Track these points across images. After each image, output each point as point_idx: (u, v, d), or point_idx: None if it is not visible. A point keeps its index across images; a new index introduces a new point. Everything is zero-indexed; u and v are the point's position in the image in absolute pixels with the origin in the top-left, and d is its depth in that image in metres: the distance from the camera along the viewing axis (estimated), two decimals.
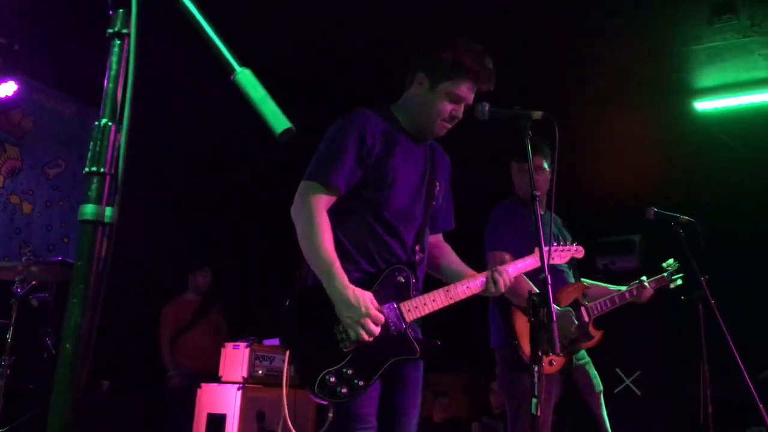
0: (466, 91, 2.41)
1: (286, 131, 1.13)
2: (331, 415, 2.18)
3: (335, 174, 2.28)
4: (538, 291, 2.28)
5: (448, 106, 2.41)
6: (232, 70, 1.16)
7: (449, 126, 2.48)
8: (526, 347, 3.33)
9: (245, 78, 1.14)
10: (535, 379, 2.28)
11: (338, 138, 2.34)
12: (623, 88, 5.78)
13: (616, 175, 6.80)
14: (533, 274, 2.72)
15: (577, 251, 3.06)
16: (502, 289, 2.48)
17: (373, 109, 2.47)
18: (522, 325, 3.37)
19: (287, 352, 2.21)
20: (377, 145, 2.36)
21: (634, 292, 3.65)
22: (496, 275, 2.46)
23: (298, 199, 2.30)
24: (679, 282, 3.88)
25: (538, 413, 2.21)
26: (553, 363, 3.37)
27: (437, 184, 2.56)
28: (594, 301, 3.54)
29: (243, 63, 1.18)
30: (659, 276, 3.80)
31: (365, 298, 2.14)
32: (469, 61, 2.38)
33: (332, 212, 2.32)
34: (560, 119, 2.31)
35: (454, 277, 2.57)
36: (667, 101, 5.94)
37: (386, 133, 2.40)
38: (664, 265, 3.89)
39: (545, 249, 2.43)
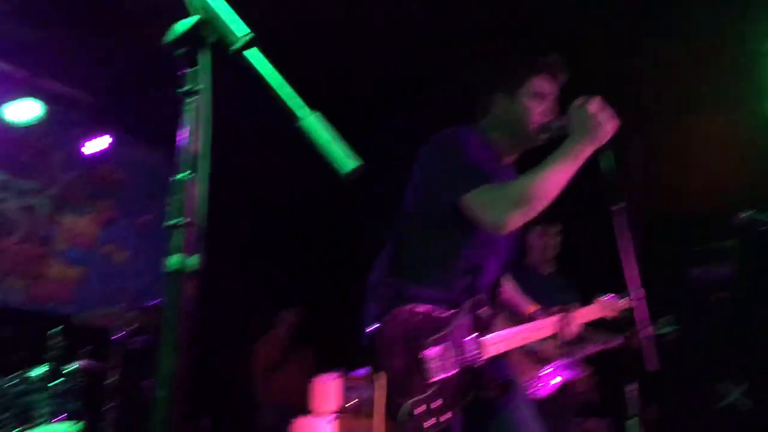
0: (543, 85, 2.37)
1: (354, 170, 1.15)
2: None
3: (483, 175, 2.16)
4: None
5: (536, 107, 2.35)
6: (297, 118, 1.20)
7: (547, 124, 2.36)
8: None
9: (311, 123, 1.18)
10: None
11: (461, 150, 2.22)
12: (707, 91, 5.57)
13: (706, 182, 6.54)
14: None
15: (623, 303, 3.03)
16: (570, 338, 2.44)
17: (468, 128, 2.39)
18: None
19: (378, 379, 2.10)
20: (490, 166, 2.26)
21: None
22: (568, 322, 2.43)
23: (485, 212, 2.12)
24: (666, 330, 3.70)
25: None
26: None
27: None
28: None
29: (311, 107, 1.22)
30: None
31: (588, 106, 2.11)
32: (527, 56, 2.35)
33: (423, 229, 2.27)
34: (640, 129, 2.24)
35: (513, 311, 2.55)
36: (755, 102, 5.69)
37: (489, 156, 2.32)
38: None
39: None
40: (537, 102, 2.36)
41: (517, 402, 2.26)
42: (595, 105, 2.15)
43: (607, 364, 3.71)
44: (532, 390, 3.41)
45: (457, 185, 2.17)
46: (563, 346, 3.42)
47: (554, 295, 3.82)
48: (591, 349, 3.59)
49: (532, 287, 3.62)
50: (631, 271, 2.22)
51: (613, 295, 2.91)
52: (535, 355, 3.52)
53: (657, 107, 5.70)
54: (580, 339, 3.44)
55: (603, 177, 2.26)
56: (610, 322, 3.28)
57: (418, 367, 2.08)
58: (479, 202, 2.12)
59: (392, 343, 2.08)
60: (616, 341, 3.57)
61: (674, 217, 5.25)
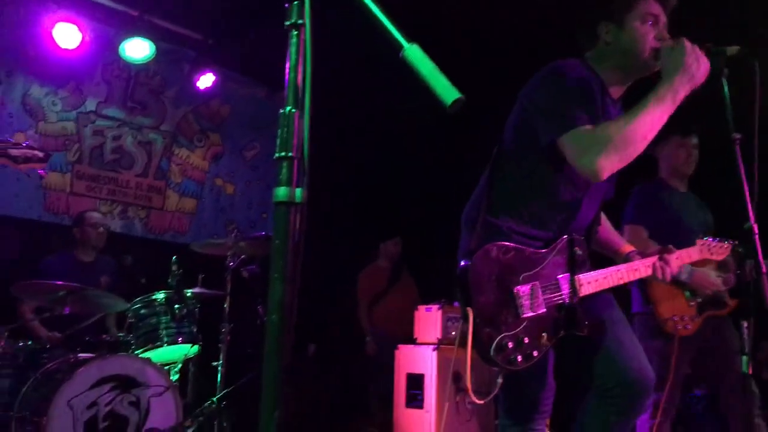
0: (654, 6, 2.24)
1: (456, 101, 1.15)
2: (500, 380, 2.11)
3: (588, 114, 2.07)
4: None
5: (649, 30, 2.23)
6: (401, 46, 1.20)
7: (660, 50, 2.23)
8: (662, 313, 3.36)
9: (413, 53, 1.18)
10: (745, 336, 2.18)
11: (570, 83, 2.14)
12: None
13: None
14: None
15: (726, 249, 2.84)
16: (668, 279, 2.34)
17: (574, 61, 2.27)
18: (658, 290, 3.37)
19: (469, 312, 2.05)
20: (596, 102, 2.16)
21: None
22: (664, 264, 2.33)
23: (583, 151, 2.03)
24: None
25: (749, 371, 2.12)
26: (687, 327, 3.34)
27: None
28: None
29: (410, 38, 1.22)
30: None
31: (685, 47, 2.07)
32: None
33: (520, 165, 2.22)
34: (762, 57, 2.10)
35: (608, 250, 2.47)
36: None
37: (595, 90, 2.21)
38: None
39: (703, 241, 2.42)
40: (649, 26, 2.23)
41: (614, 332, 2.23)
42: (687, 46, 2.07)
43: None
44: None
45: (554, 125, 2.11)
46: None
47: (695, 212, 3.66)
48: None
49: (672, 204, 3.55)
50: (746, 204, 2.10)
51: (714, 238, 2.76)
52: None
53: None
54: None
55: (723, 104, 2.14)
56: None
57: (508, 303, 2.06)
58: (575, 146, 2.05)
59: (484, 279, 2.05)
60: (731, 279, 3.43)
61: None
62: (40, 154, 2.70)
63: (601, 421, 2.18)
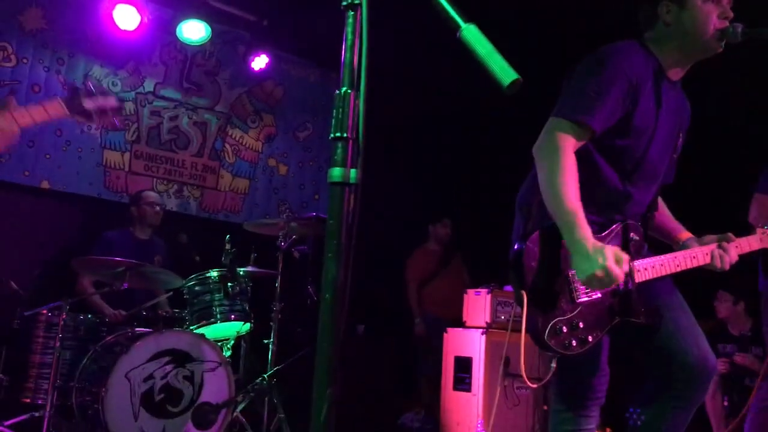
0: None
1: (514, 83, 1.13)
2: (554, 365, 2.08)
3: (594, 114, 2.03)
4: None
5: (712, 9, 2.14)
6: (458, 27, 1.19)
7: (726, 28, 2.15)
8: None
9: (471, 34, 1.16)
10: None
11: (601, 73, 2.09)
12: None
13: None
14: None
15: None
16: (726, 268, 2.26)
17: (630, 43, 2.21)
18: None
19: (524, 296, 2.01)
20: (642, 87, 2.12)
21: None
22: (722, 252, 2.25)
23: (544, 137, 2.07)
24: None
25: None
26: None
27: (680, 135, 2.33)
28: None
29: (468, 19, 1.20)
30: None
31: (605, 251, 1.88)
32: None
33: None
34: None
35: (665, 236, 2.40)
36: None
37: (651, 73, 2.16)
38: None
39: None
40: (712, 4, 2.15)
41: (674, 317, 2.19)
42: (614, 267, 1.88)
43: None
44: None
45: (561, 104, 2.10)
46: None
47: None
48: None
49: None
50: None
51: None
52: None
53: None
54: None
55: None
56: None
57: (563, 287, 2.03)
58: (550, 128, 2.07)
59: (538, 262, 2.03)
60: None
61: None
62: (114, 103, 2.65)
63: (661, 408, 2.16)
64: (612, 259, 1.88)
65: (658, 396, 2.17)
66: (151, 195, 5.10)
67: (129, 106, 5.73)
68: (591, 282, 1.92)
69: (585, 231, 1.93)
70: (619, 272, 1.90)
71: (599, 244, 1.93)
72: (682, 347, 2.13)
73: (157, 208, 4.99)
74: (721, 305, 5.55)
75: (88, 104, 2.60)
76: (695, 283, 2.36)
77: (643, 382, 2.22)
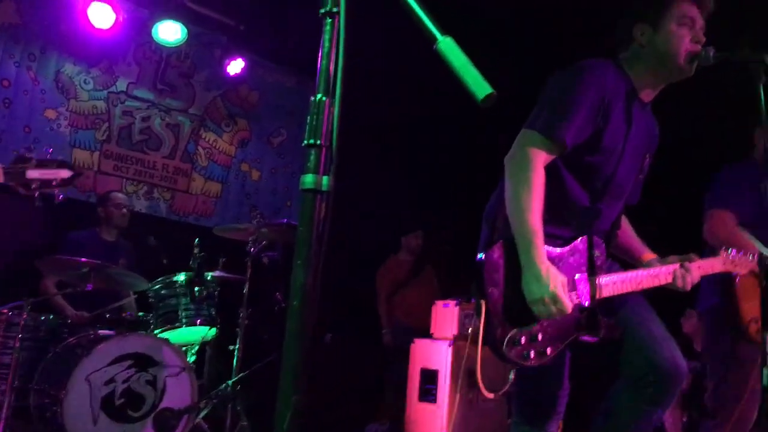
0: (691, 10, 2.21)
1: (488, 97, 1.14)
2: (512, 377, 2.09)
3: (566, 129, 2.06)
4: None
5: (685, 33, 2.20)
6: (435, 39, 1.19)
7: (698, 52, 2.20)
8: (745, 313, 3.01)
9: (447, 47, 1.17)
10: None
11: (575, 89, 2.12)
12: None
13: None
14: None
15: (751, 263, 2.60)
16: (688, 288, 2.28)
17: (604, 62, 2.24)
18: (745, 287, 3.02)
19: (482, 305, 2.01)
20: (613, 105, 2.15)
21: None
22: (684, 272, 2.28)
23: (516, 150, 2.09)
24: None
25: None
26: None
27: (647, 156, 2.37)
28: None
29: (445, 31, 1.21)
30: None
31: (557, 280, 1.94)
32: None
33: None
34: None
35: (629, 255, 2.42)
36: None
37: (623, 93, 2.20)
38: None
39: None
40: (685, 28, 2.21)
41: (643, 321, 2.21)
42: (563, 296, 1.96)
43: None
44: None
45: (533, 117, 2.12)
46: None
47: None
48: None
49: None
50: None
51: (738, 251, 2.62)
52: None
53: None
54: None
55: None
56: None
57: (523, 298, 2.00)
58: (521, 141, 2.09)
59: (499, 272, 2.03)
60: None
61: None
62: (66, 174, 2.40)
63: (632, 410, 2.16)
64: (562, 289, 1.93)
65: (629, 398, 2.17)
66: (119, 196, 5.03)
67: (101, 105, 5.65)
68: (536, 306, 1.95)
69: (541, 253, 1.96)
70: (566, 304, 1.94)
71: (554, 270, 1.96)
72: (653, 351, 2.14)
73: (124, 210, 4.92)
74: (686, 321, 5.63)
75: (32, 174, 2.40)
76: (663, 302, 2.37)
77: (609, 385, 2.23)
